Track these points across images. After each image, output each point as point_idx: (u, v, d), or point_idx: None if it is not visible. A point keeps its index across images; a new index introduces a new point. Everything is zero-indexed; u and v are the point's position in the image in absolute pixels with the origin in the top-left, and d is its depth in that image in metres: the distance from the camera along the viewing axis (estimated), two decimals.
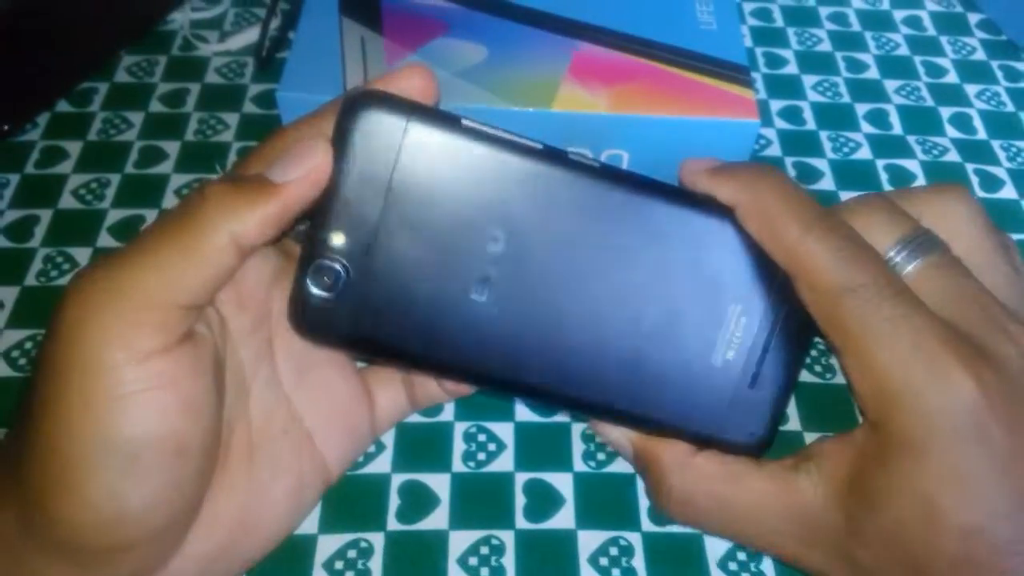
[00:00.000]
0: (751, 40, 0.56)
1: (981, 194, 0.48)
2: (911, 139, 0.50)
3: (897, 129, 0.51)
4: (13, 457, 0.23)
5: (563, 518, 0.33)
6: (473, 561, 0.32)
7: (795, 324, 0.29)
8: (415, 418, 0.36)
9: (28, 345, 0.39)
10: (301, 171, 0.24)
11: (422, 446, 0.35)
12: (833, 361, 0.39)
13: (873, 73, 0.54)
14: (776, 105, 0.52)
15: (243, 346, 0.28)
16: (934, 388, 0.24)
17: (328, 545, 0.32)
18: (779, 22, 0.57)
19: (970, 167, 0.49)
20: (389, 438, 0.36)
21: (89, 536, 0.22)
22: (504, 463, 0.35)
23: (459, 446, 0.35)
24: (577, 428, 0.36)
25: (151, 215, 0.44)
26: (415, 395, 0.34)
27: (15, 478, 0.23)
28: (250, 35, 0.53)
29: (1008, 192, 0.48)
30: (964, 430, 0.24)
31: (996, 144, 0.50)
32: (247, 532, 0.27)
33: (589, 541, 0.33)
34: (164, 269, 0.22)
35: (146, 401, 0.22)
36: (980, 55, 0.56)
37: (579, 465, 0.35)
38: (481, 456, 0.35)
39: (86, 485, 0.22)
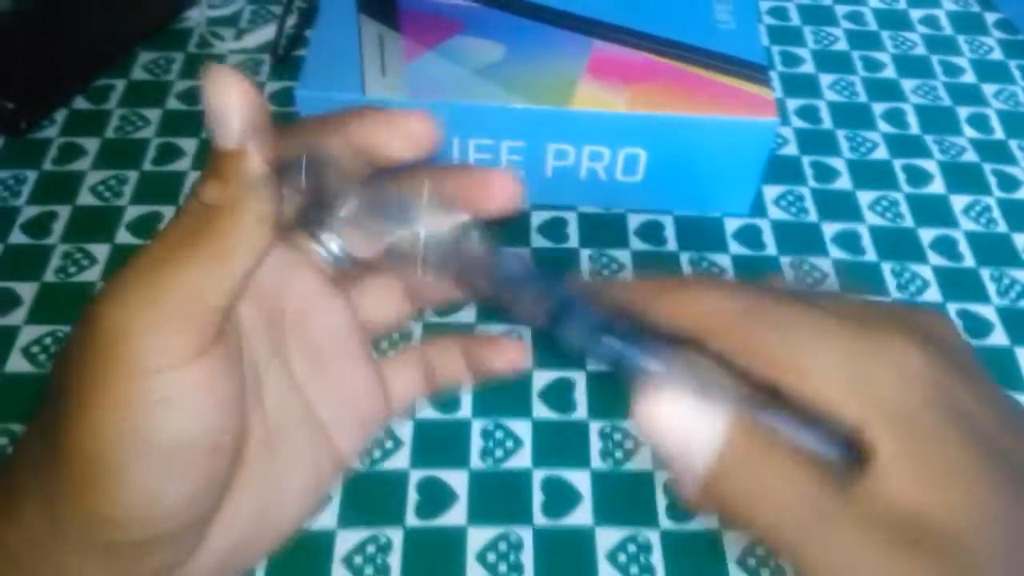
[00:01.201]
0: (767, 39, 0.56)
1: (999, 194, 0.48)
2: (928, 139, 0.50)
3: (914, 128, 0.51)
4: (38, 455, 0.23)
5: (581, 515, 0.33)
6: (492, 557, 0.32)
7: None
8: (433, 415, 0.36)
9: (48, 341, 0.39)
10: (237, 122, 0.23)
11: (440, 443, 0.35)
12: None
13: (890, 72, 0.54)
14: (793, 104, 0.52)
15: (257, 339, 0.28)
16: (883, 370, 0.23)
17: (347, 540, 0.32)
18: (795, 21, 0.57)
19: (988, 167, 0.49)
20: (407, 435, 0.36)
21: (121, 533, 0.23)
22: (522, 460, 0.35)
23: (477, 443, 0.35)
24: (595, 426, 0.36)
25: (169, 212, 0.45)
26: (433, 378, 0.33)
27: (40, 475, 0.23)
28: (266, 32, 0.54)
29: None
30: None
31: (1014, 144, 0.50)
32: (266, 523, 0.27)
33: (607, 538, 0.33)
34: (201, 272, 0.22)
35: (184, 403, 0.22)
36: (997, 55, 0.56)
37: (596, 462, 0.35)
38: (499, 453, 0.35)
39: (122, 486, 0.22)
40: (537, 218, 0.45)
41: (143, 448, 0.22)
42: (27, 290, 0.41)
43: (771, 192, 0.47)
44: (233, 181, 0.23)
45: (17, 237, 0.43)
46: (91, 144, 0.48)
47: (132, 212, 0.44)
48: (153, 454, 0.22)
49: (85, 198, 0.45)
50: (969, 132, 0.51)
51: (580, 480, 0.34)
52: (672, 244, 0.44)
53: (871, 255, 0.44)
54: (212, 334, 0.23)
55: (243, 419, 0.25)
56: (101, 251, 0.43)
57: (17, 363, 0.38)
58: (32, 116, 0.48)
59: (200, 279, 0.22)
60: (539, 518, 0.33)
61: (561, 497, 0.34)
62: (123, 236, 0.43)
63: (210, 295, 0.22)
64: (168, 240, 0.23)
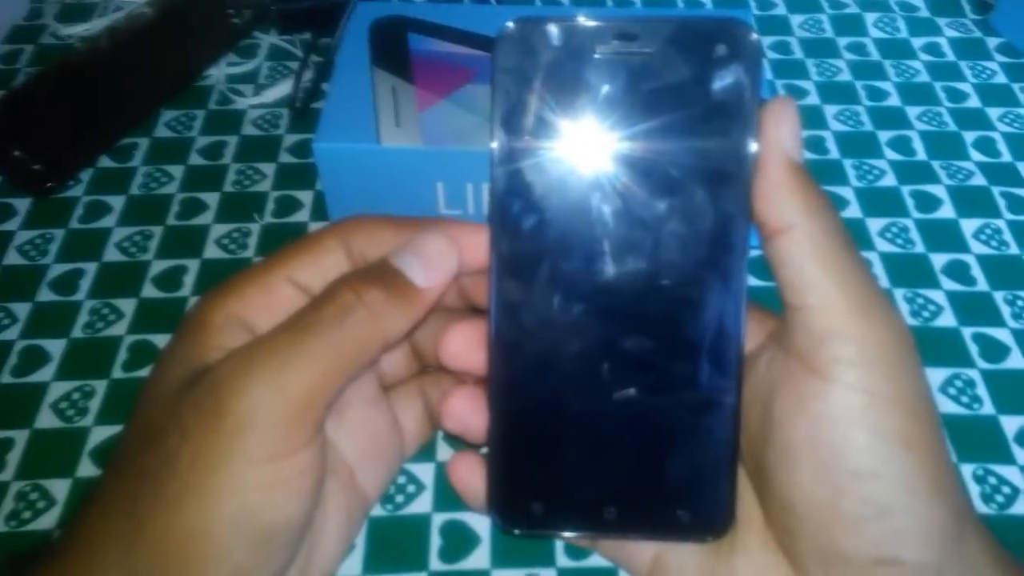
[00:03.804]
0: (771, 73, 0.57)
1: (1009, 216, 0.48)
2: (936, 164, 0.51)
3: (921, 155, 0.51)
4: (121, 530, 0.24)
5: None
6: None
7: None
8: None
9: (76, 396, 0.40)
10: (442, 276, 0.26)
11: None
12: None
13: (894, 100, 0.55)
14: None
15: None
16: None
17: None
18: (798, 54, 0.58)
19: (996, 190, 0.49)
20: (429, 478, 0.36)
21: None
22: None
23: None
24: None
25: (193, 265, 0.46)
26: (435, 412, 0.34)
27: (124, 551, 0.23)
28: (284, 87, 0.55)
29: None
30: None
31: (1022, 166, 0.50)
32: (308, 573, 0.28)
33: None
34: (326, 374, 0.24)
35: (292, 489, 0.23)
36: (1001, 78, 0.56)
37: None
38: None
39: (221, 564, 0.23)
40: None
41: (248, 530, 0.23)
42: (55, 347, 0.42)
43: None
44: (400, 302, 0.25)
45: (45, 295, 0.44)
46: (116, 201, 0.49)
47: (157, 266, 0.46)
48: (254, 536, 0.23)
49: (111, 254, 0.46)
50: (976, 156, 0.51)
51: None
52: None
53: (883, 282, 0.45)
54: (322, 424, 0.24)
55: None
56: (128, 306, 0.44)
57: (47, 419, 0.39)
58: (59, 176, 0.50)
59: (324, 381, 0.24)
60: (562, 559, 0.34)
61: None
62: (149, 290, 0.44)
63: (330, 395, 0.24)
64: (298, 337, 0.24)
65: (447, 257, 0.26)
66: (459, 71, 0.45)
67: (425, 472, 0.37)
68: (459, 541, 0.34)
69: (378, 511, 0.35)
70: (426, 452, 0.37)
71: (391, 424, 0.33)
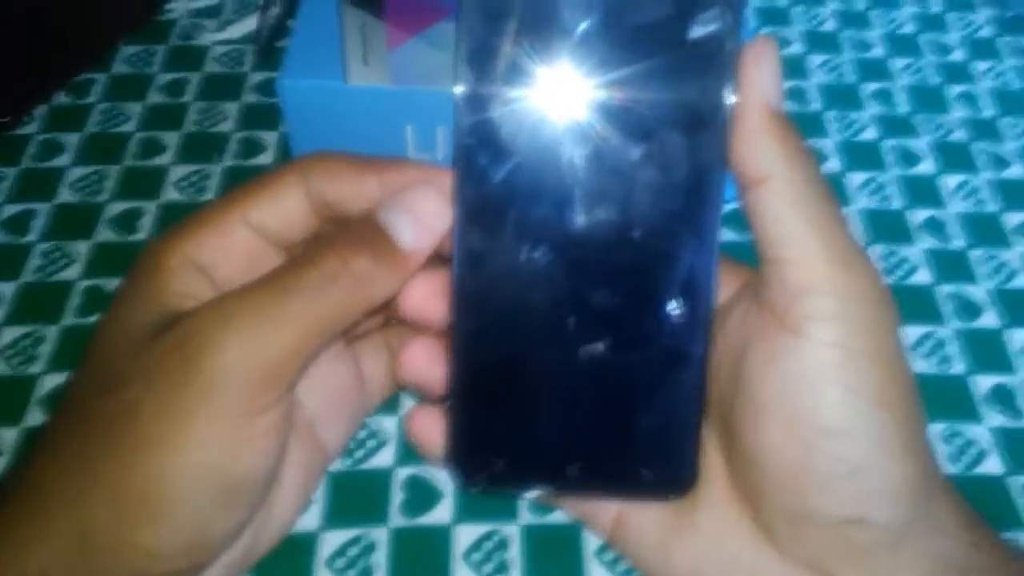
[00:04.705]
0: (755, 20, 0.55)
1: (989, 174, 0.47)
2: (918, 118, 0.50)
3: (904, 108, 0.50)
4: (76, 481, 0.23)
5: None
6: (478, 556, 0.32)
7: None
8: None
9: (25, 343, 0.39)
10: (432, 237, 0.24)
11: None
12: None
13: (879, 52, 0.53)
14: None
15: None
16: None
17: (331, 542, 0.32)
18: (783, 2, 0.56)
19: (978, 146, 0.48)
20: (393, 432, 0.35)
21: (160, 565, 0.23)
22: None
23: None
24: None
25: (151, 207, 0.44)
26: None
27: (77, 502, 0.23)
28: (249, 23, 0.53)
29: (1017, 171, 0.47)
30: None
31: (1004, 123, 0.50)
32: (265, 529, 0.27)
33: (595, 536, 0.33)
34: (303, 337, 0.23)
35: (262, 444, 0.23)
36: (987, 32, 0.55)
37: None
38: None
39: (181, 516, 0.22)
40: None
41: (210, 485, 0.22)
42: (5, 290, 0.40)
43: None
44: (387, 266, 0.24)
45: None
46: (71, 140, 0.47)
47: (113, 208, 0.44)
48: (220, 488, 0.22)
49: (65, 195, 0.44)
50: (959, 111, 0.50)
51: None
52: None
53: (860, 238, 0.44)
54: (294, 385, 0.23)
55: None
56: (82, 248, 0.42)
57: None
58: (10, 113, 0.48)
59: (305, 339, 0.23)
60: (526, 516, 0.33)
61: None
62: (104, 233, 0.43)
63: (308, 357, 0.23)
64: (277, 293, 0.23)
65: (441, 217, 0.25)
66: (432, 8, 0.43)
67: (388, 425, 0.36)
68: (421, 496, 0.34)
69: (338, 465, 0.35)
70: (389, 405, 0.36)
71: (354, 378, 0.32)
